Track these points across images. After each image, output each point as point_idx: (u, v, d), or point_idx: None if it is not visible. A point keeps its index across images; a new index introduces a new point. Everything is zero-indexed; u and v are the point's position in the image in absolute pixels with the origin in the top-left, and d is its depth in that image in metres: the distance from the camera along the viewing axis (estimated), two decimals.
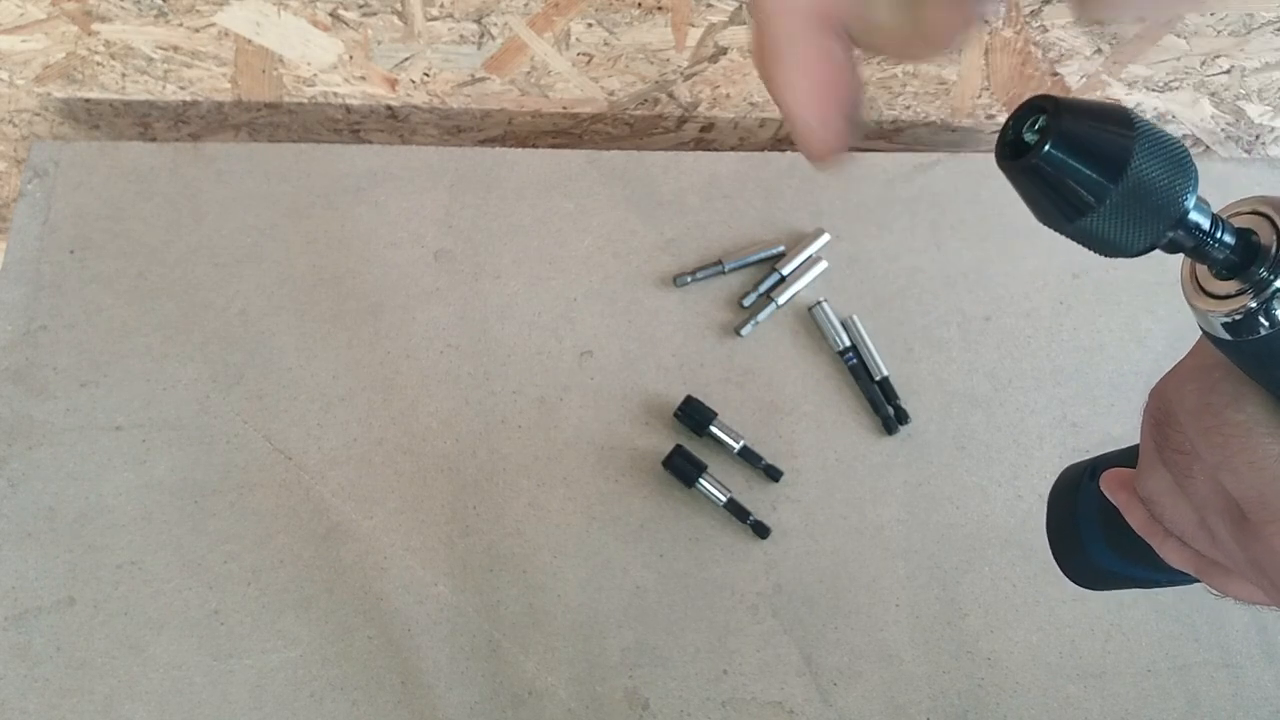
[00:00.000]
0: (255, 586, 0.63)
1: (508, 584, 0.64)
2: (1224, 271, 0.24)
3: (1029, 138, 0.22)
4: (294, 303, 0.71)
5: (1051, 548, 0.43)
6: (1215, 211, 0.24)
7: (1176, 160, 0.22)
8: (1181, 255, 0.25)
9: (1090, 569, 0.41)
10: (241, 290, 0.71)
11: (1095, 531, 0.40)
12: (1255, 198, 0.25)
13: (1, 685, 0.59)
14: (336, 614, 0.62)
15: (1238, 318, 0.24)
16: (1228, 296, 0.24)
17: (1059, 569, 0.43)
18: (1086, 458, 0.42)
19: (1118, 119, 0.22)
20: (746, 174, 0.78)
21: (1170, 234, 0.23)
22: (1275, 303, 0.24)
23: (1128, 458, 0.36)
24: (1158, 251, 0.24)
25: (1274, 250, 0.24)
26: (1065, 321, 0.76)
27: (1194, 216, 0.23)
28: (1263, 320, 0.24)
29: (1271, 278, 0.24)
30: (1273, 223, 0.24)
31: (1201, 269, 0.25)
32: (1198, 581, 0.33)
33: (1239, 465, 0.27)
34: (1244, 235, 0.24)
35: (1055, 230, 0.23)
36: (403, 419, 0.68)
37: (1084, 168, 0.21)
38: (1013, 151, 0.22)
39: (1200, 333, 0.27)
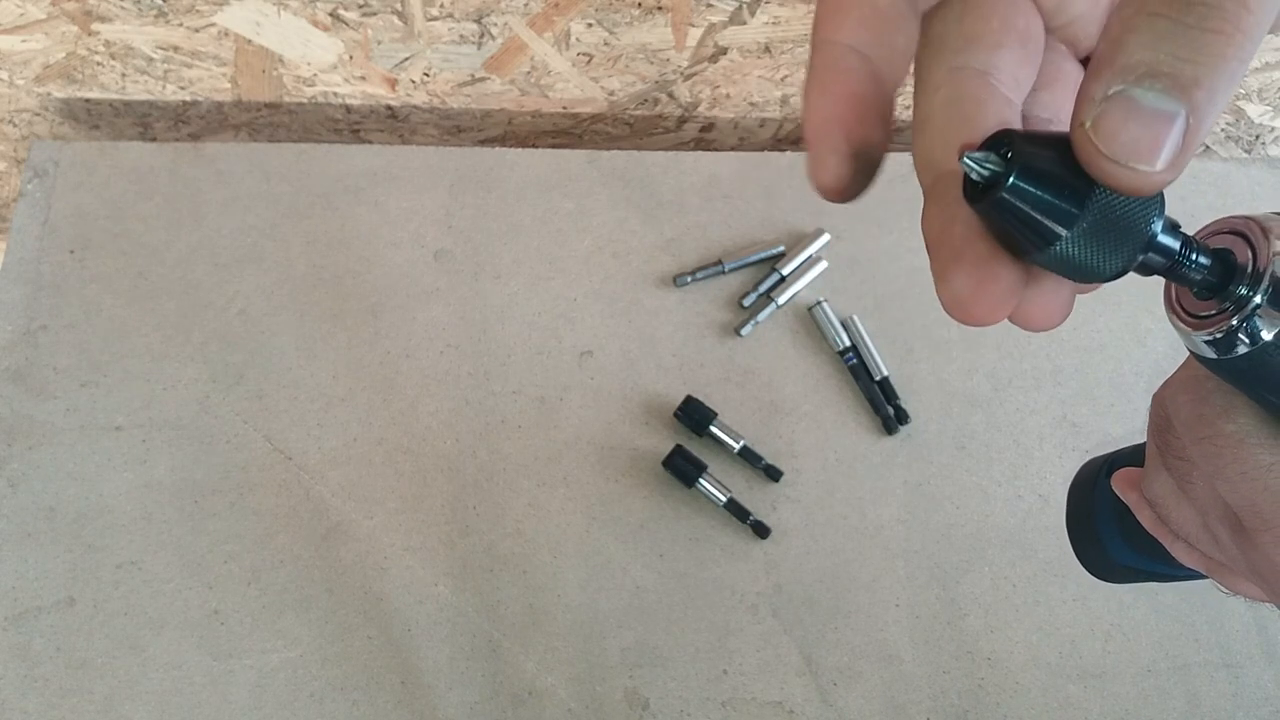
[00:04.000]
0: (255, 586, 0.63)
1: (508, 584, 0.64)
2: (1204, 292, 0.25)
3: (995, 172, 0.22)
4: (294, 303, 0.71)
5: (1071, 541, 0.44)
6: (1190, 234, 0.24)
7: None
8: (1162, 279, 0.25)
9: (1107, 563, 0.42)
10: (241, 290, 0.71)
11: (1112, 527, 0.40)
12: (1228, 218, 0.26)
13: (1, 685, 0.59)
14: (336, 614, 0.62)
15: (1219, 336, 0.25)
16: (1209, 316, 0.25)
17: (1078, 562, 0.44)
18: (1102, 453, 0.42)
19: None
20: (746, 174, 0.78)
21: (1141, 256, 0.23)
22: (1255, 320, 0.24)
23: (1141, 454, 0.37)
24: None
25: (1250, 267, 0.24)
26: (1065, 321, 0.76)
27: (1164, 239, 0.23)
28: (1243, 337, 0.24)
29: (1250, 294, 0.24)
30: (1248, 240, 0.25)
31: (1183, 291, 0.26)
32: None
33: (1231, 475, 0.28)
34: (1220, 255, 0.25)
35: (1027, 260, 0.23)
36: (403, 419, 0.68)
37: (1049, 196, 0.22)
38: (978, 188, 0.23)
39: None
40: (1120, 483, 0.36)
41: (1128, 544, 0.40)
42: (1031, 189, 0.22)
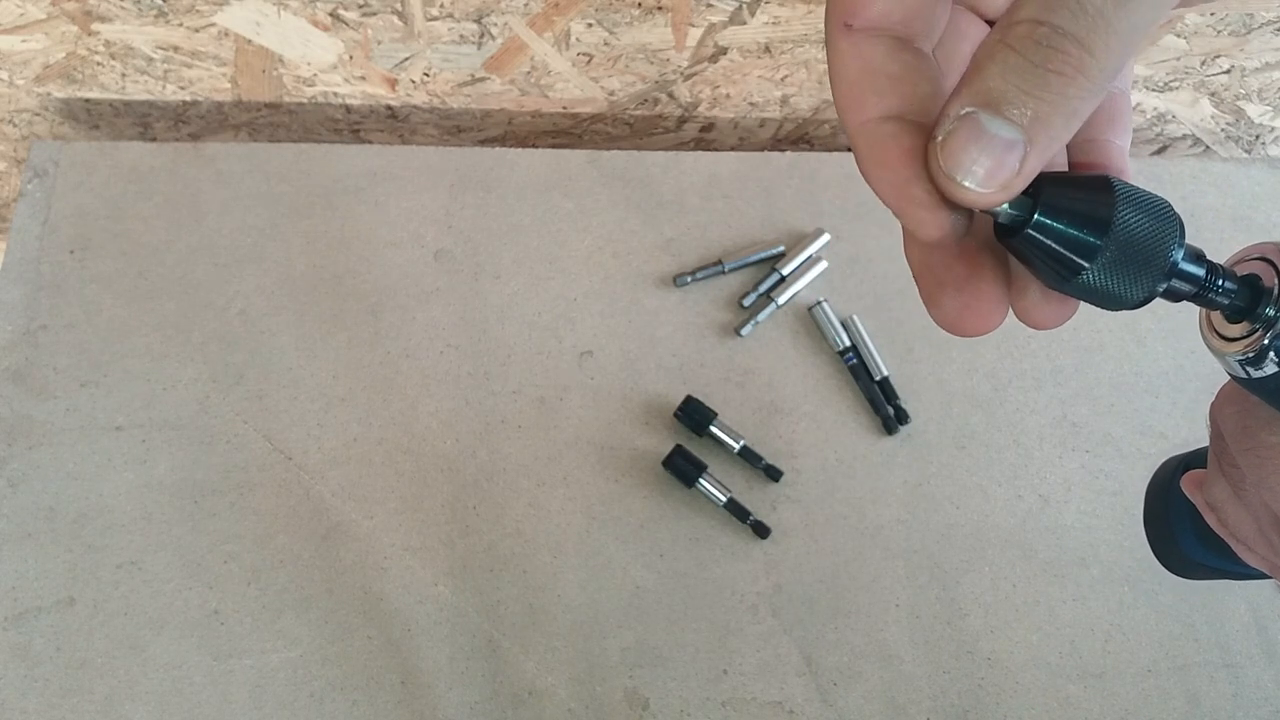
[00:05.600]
0: (255, 586, 0.63)
1: (508, 584, 0.64)
2: (1234, 315, 0.27)
3: (1019, 212, 0.24)
4: (294, 303, 0.71)
5: (1147, 537, 0.45)
6: (1215, 261, 0.26)
7: (1159, 214, 0.24)
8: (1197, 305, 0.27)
9: (1182, 560, 0.44)
10: (241, 290, 0.71)
11: (1185, 525, 0.42)
12: (1255, 244, 0.27)
13: (1, 685, 0.59)
14: (336, 614, 0.62)
15: (1251, 355, 0.26)
16: (1240, 338, 0.26)
17: (1155, 558, 0.45)
18: (1180, 452, 0.44)
19: (1098, 185, 0.24)
20: (746, 174, 0.78)
21: (1165, 284, 0.25)
22: None
23: None
24: None
25: (1276, 291, 0.26)
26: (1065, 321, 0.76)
27: (1186, 265, 0.25)
28: (1274, 356, 0.26)
29: (1277, 315, 0.26)
30: (1274, 265, 0.26)
31: (1216, 315, 0.28)
32: None
33: (1275, 484, 0.29)
34: (1248, 280, 0.26)
35: (1059, 291, 0.25)
36: (403, 419, 0.68)
37: (1073, 231, 0.24)
38: (1007, 226, 0.25)
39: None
40: (1188, 484, 0.37)
41: (1200, 542, 0.41)
42: (1056, 225, 0.24)
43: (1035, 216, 0.24)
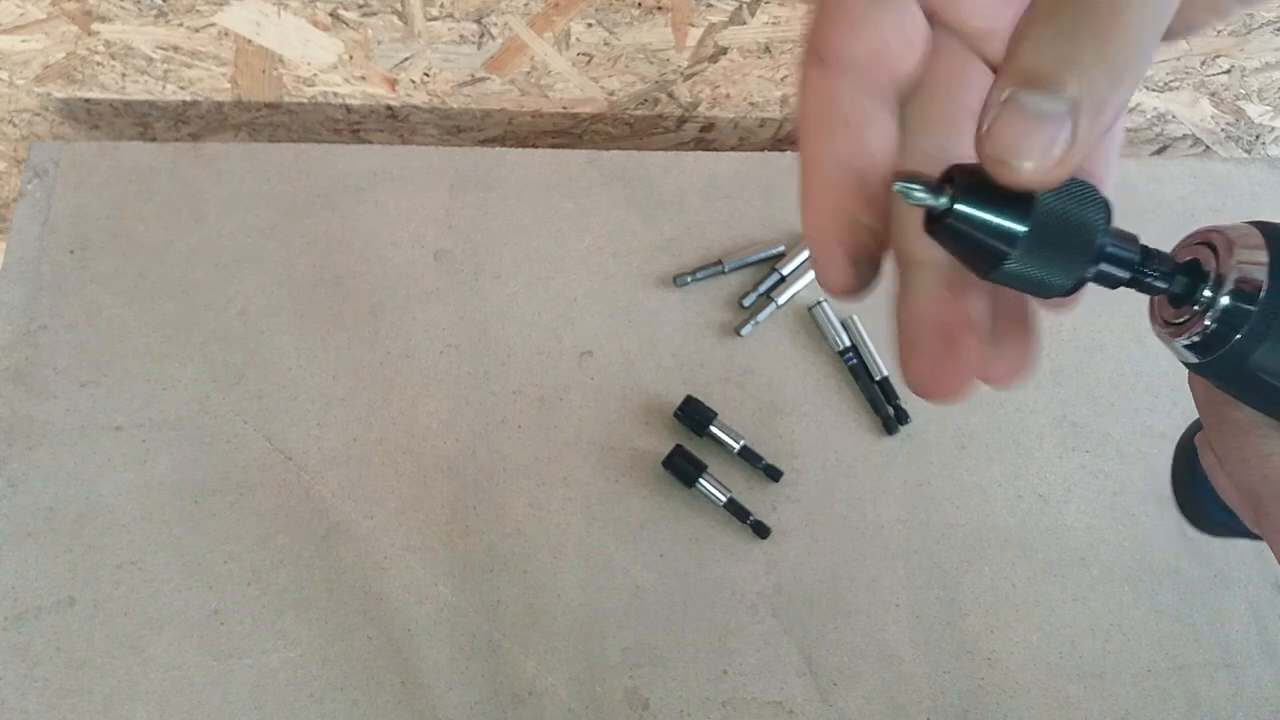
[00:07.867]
0: (255, 586, 0.63)
1: (508, 584, 0.64)
2: (1176, 300, 0.26)
3: (942, 202, 0.24)
4: (294, 303, 0.71)
5: (1174, 496, 0.45)
6: (1150, 246, 0.26)
7: (1083, 198, 0.24)
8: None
9: (1206, 518, 0.44)
10: (241, 290, 0.71)
11: (1207, 485, 0.42)
12: (1198, 229, 0.27)
13: (1, 685, 0.59)
14: (336, 614, 0.62)
15: (1195, 340, 0.26)
16: (1183, 323, 0.26)
17: (1181, 516, 0.45)
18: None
19: None
20: (746, 174, 0.78)
21: (1093, 268, 0.24)
22: (1225, 321, 0.25)
23: None
24: None
25: (1214, 274, 0.26)
26: (1065, 321, 0.76)
27: (1116, 250, 0.25)
28: (1214, 341, 0.26)
29: (1215, 298, 0.25)
30: (1212, 248, 0.26)
31: (1163, 304, 0.27)
32: None
33: (1235, 461, 0.29)
34: (1187, 265, 0.26)
35: (987, 280, 0.25)
36: (403, 419, 0.68)
37: (993, 218, 0.23)
38: (932, 219, 0.24)
39: None
40: (1200, 444, 0.37)
41: (1218, 502, 0.41)
42: (975, 213, 0.23)
43: (955, 206, 0.23)
